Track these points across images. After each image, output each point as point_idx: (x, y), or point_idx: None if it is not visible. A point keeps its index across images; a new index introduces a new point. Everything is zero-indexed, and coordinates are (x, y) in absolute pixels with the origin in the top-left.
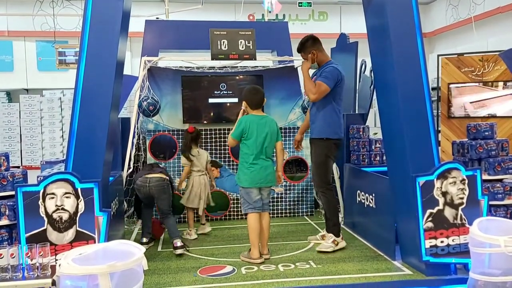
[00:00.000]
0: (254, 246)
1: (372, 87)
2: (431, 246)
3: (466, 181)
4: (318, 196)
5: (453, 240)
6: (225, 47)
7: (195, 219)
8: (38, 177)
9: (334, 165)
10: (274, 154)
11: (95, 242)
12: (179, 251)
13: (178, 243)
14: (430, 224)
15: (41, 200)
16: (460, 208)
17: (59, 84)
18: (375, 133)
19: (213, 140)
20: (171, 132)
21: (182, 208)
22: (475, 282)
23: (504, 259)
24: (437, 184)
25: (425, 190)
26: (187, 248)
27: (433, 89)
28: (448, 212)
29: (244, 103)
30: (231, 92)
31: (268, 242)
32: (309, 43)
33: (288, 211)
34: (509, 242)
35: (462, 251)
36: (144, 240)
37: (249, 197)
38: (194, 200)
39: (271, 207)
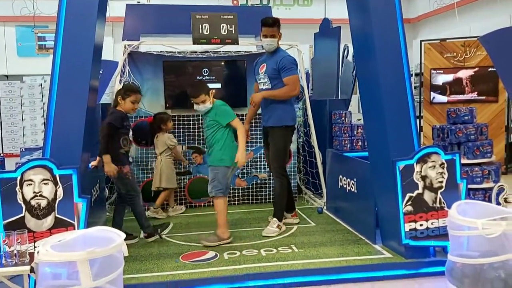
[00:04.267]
0: (225, 227)
1: (354, 72)
2: (410, 230)
3: (445, 165)
4: (275, 181)
5: (432, 223)
6: (206, 32)
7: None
8: (16, 163)
9: (317, 151)
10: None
11: (74, 229)
12: (150, 239)
13: (141, 234)
14: (409, 208)
15: (18, 186)
16: (439, 191)
17: (40, 70)
18: (359, 119)
19: (196, 126)
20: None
21: (154, 193)
22: (454, 264)
23: (482, 241)
24: (417, 168)
25: (404, 174)
26: (159, 235)
27: (416, 75)
28: (428, 196)
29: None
30: (213, 77)
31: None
32: (279, 25)
33: (271, 196)
34: (486, 224)
35: (441, 234)
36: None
37: (224, 179)
38: (155, 180)
39: (255, 194)
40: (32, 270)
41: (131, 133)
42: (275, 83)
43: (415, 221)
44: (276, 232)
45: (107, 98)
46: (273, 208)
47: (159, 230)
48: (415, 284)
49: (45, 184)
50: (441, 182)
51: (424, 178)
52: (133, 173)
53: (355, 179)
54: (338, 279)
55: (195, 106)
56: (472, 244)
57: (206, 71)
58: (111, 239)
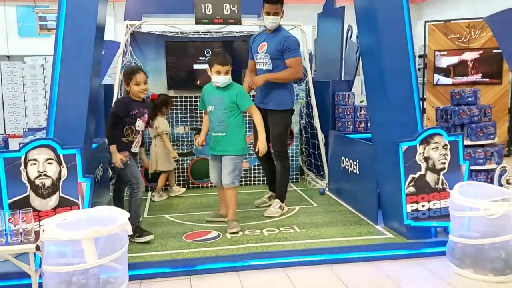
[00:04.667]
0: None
1: (358, 53)
2: (412, 210)
3: (448, 147)
4: (277, 163)
5: (434, 204)
6: (209, 11)
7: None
8: (20, 144)
9: (319, 132)
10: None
11: (78, 208)
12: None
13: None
14: (412, 189)
15: (22, 166)
16: (441, 173)
17: (41, 50)
18: (362, 101)
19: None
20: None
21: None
22: (455, 245)
23: (483, 222)
24: (420, 149)
25: (407, 156)
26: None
27: (420, 56)
28: (430, 177)
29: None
30: None
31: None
32: (282, 2)
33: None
34: (488, 205)
35: (443, 215)
36: (150, 237)
37: (241, 166)
38: (151, 164)
39: (257, 175)
40: (37, 248)
41: (139, 122)
42: (277, 64)
43: (417, 202)
44: (278, 213)
45: (109, 79)
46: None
47: (137, 234)
48: (416, 264)
49: (49, 163)
50: (444, 163)
51: (427, 159)
52: (132, 159)
53: (357, 161)
54: (340, 258)
55: (216, 77)
56: (473, 224)
57: (209, 51)
58: (115, 218)
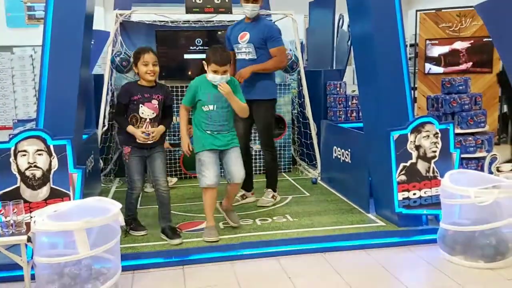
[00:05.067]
0: None
1: (349, 42)
2: (403, 198)
3: (439, 135)
4: (265, 154)
5: (425, 192)
6: (200, 0)
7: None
8: (9, 135)
9: (311, 122)
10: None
11: (70, 199)
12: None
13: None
14: (403, 177)
15: (12, 157)
16: (432, 161)
17: (30, 41)
18: (353, 91)
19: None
20: None
21: None
22: (446, 232)
23: (473, 209)
24: (411, 138)
25: (399, 144)
26: (126, 229)
27: (411, 45)
28: (421, 165)
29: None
30: (207, 48)
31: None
32: None
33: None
34: (479, 193)
35: (434, 203)
36: (142, 232)
37: None
38: None
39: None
40: (29, 239)
41: (143, 109)
42: (261, 53)
43: (408, 190)
44: (271, 202)
45: (99, 69)
46: (265, 179)
47: (132, 225)
48: (407, 251)
49: (39, 154)
50: (435, 151)
51: (418, 147)
52: (134, 158)
53: (349, 150)
54: (332, 247)
55: (212, 76)
56: (464, 212)
57: (199, 41)
58: (107, 209)
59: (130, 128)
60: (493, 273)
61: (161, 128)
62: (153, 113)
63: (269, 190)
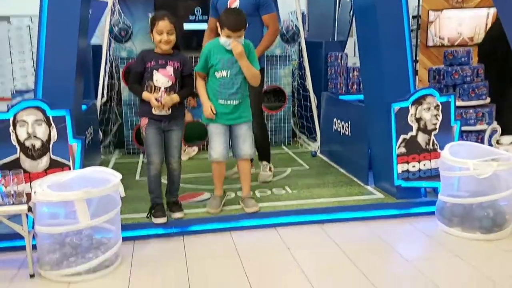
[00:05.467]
0: None
1: (351, 12)
2: (402, 171)
3: (440, 107)
4: (256, 126)
5: (424, 165)
6: None
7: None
8: (8, 105)
9: (312, 94)
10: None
11: (70, 170)
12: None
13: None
14: (403, 150)
15: (11, 127)
16: (432, 133)
17: (27, 10)
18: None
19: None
20: None
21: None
22: (444, 204)
23: (472, 182)
24: (412, 110)
25: (399, 117)
26: (148, 213)
27: (413, 17)
28: (421, 138)
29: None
30: (207, 17)
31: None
32: None
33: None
34: (478, 165)
35: (433, 176)
36: (160, 220)
37: None
38: None
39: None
40: (29, 209)
41: (157, 76)
42: (251, 20)
43: (408, 163)
44: (270, 176)
45: (97, 40)
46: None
47: (153, 211)
48: (406, 223)
49: (38, 125)
50: (435, 124)
51: (418, 120)
52: (151, 130)
53: (349, 122)
54: (331, 218)
55: (224, 40)
56: (462, 184)
57: (199, 10)
58: (107, 180)
59: (145, 94)
60: (490, 244)
61: (174, 97)
62: (168, 81)
63: (264, 162)
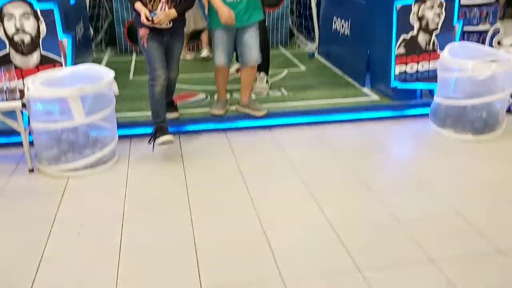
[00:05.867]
0: None
1: None
2: (400, 73)
3: (444, 5)
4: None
5: (422, 66)
6: None
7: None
8: None
9: None
10: None
11: (62, 66)
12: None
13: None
14: (402, 50)
15: None
16: (434, 33)
17: None
18: None
19: None
20: None
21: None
22: (438, 106)
23: (469, 83)
24: (415, 8)
25: (401, 15)
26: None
27: None
28: (422, 38)
29: None
30: None
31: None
32: None
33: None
34: (477, 66)
35: (430, 77)
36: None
37: None
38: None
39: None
40: (24, 105)
41: None
42: None
43: (406, 63)
44: (266, 89)
45: None
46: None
47: (157, 134)
48: (400, 124)
49: (26, 19)
50: (437, 23)
51: (420, 19)
52: (153, 42)
53: (349, 21)
54: (326, 120)
55: None
56: (459, 85)
57: None
58: (100, 77)
59: (138, 5)
60: (480, 145)
61: (171, 12)
62: None
63: (262, 74)
